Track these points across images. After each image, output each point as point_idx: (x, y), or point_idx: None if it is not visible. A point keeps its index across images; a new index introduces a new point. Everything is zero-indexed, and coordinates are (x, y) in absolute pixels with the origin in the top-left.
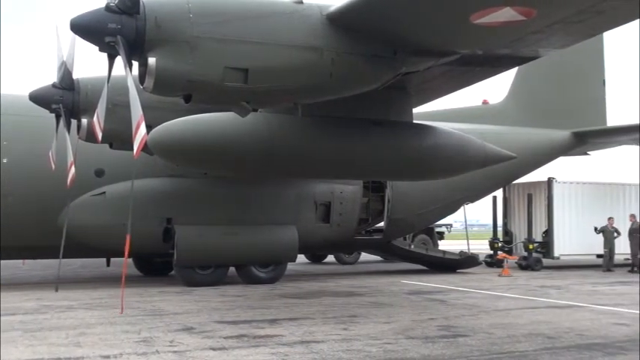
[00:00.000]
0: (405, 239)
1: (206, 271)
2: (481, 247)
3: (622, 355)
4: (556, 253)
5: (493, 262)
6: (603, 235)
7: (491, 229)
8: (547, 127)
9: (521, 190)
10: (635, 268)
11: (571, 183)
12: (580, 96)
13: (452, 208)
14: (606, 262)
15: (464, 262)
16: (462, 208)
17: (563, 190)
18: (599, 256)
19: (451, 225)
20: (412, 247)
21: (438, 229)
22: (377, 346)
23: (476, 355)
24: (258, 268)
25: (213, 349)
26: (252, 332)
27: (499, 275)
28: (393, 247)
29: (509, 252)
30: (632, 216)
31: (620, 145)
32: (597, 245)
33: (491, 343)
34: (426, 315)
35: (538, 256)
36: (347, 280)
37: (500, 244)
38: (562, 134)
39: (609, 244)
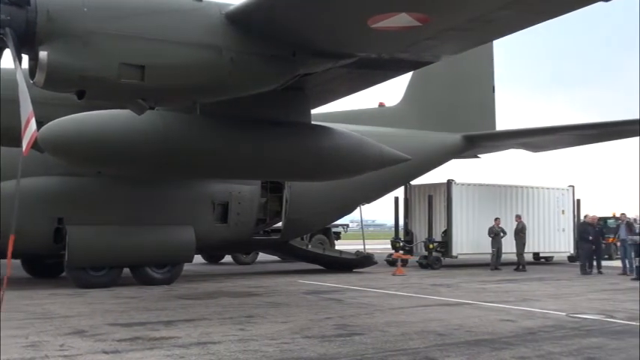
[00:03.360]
0: (302, 239)
1: (99, 273)
2: (377, 246)
3: (508, 350)
4: (454, 253)
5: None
6: (490, 236)
7: (387, 229)
8: (440, 130)
9: (422, 192)
10: (521, 267)
11: (469, 185)
12: (471, 101)
13: (349, 209)
14: (493, 261)
15: (360, 261)
16: (358, 208)
17: (461, 192)
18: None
19: (348, 225)
20: (309, 247)
21: (334, 230)
22: (274, 346)
23: (370, 353)
24: (153, 268)
25: (106, 352)
26: (146, 334)
27: (393, 274)
28: (291, 247)
29: (410, 251)
30: (518, 217)
31: (508, 148)
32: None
33: (386, 341)
34: (322, 314)
35: (438, 255)
36: (244, 280)
37: (401, 244)
38: (454, 137)
39: (497, 244)
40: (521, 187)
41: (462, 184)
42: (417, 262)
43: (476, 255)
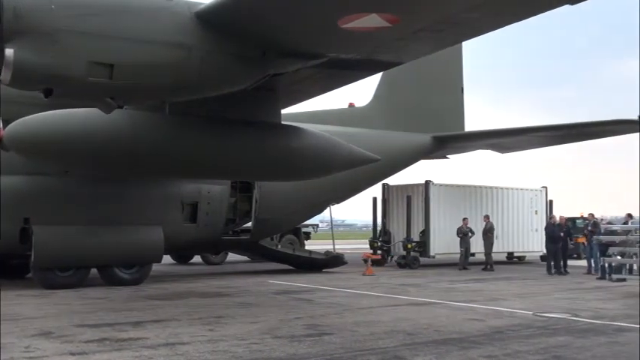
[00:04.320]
0: (272, 239)
1: (66, 273)
2: (347, 246)
3: (476, 349)
4: (432, 252)
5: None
6: (458, 235)
7: (357, 229)
8: (409, 131)
9: (400, 192)
10: (489, 267)
11: (446, 185)
12: (440, 102)
13: (318, 209)
14: (462, 261)
15: (330, 261)
16: (328, 208)
17: (439, 192)
18: (471, 254)
19: (317, 225)
20: (279, 247)
21: (304, 230)
22: (243, 347)
23: (340, 353)
24: (121, 269)
25: (73, 354)
26: (114, 335)
27: (363, 274)
28: (261, 247)
29: (388, 251)
30: (486, 217)
31: (477, 149)
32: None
33: (355, 341)
34: (292, 314)
35: (416, 255)
36: (214, 280)
37: (379, 244)
38: (423, 138)
39: (465, 244)
40: (497, 188)
41: (440, 185)
42: (396, 261)
43: (453, 255)
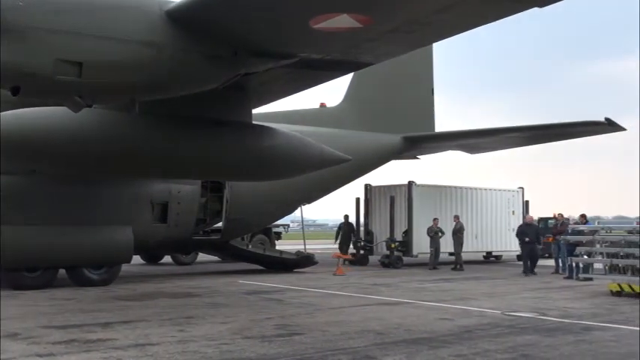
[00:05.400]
0: (242, 239)
1: (34, 274)
2: (318, 246)
3: (446, 348)
4: (415, 252)
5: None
6: (429, 235)
7: (328, 229)
8: (380, 131)
9: (382, 192)
10: (459, 266)
11: (429, 186)
12: (411, 102)
13: (289, 209)
14: (432, 261)
15: (300, 261)
16: (299, 208)
17: (422, 193)
18: (450, 254)
19: (288, 225)
20: (250, 247)
21: (275, 230)
22: (213, 347)
23: (310, 353)
24: (90, 269)
25: (40, 355)
26: (82, 337)
27: (334, 274)
28: (231, 248)
29: (371, 250)
30: (456, 217)
31: (447, 150)
32: (449, 244)
33: (326, 341)
34: (263, 314)
35: (399, 254)
36: (184, 280)
37: (362, 243)
38: (394, 138)
39: (435, 244)
40: (476, 189)
41: (423, 186)
42: (379, 261)
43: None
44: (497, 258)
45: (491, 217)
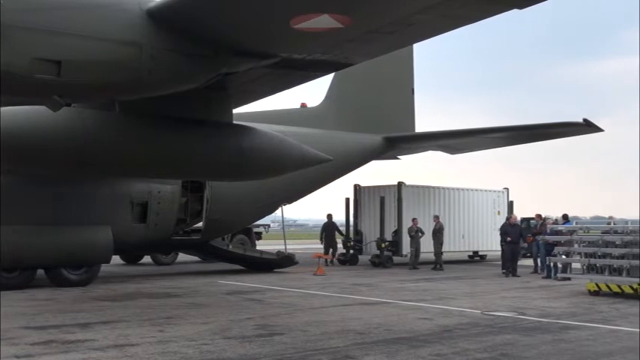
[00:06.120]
0: (223, 239)
1: (11, 274)
2: (298, 246)
3: (426, 347)
4: (404, 252)
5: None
6: (409, 235)
7: (309, 229)
8: (361, 132)
9: (372, 193)
10: (438, 266)
11: (418, 187)
12: (391, 103)
13: (270, 209)
14: (412, 261)
15: (281, 261)
16: (279, 208)
17: (411, 193)
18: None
19: (269, 225)
20: (230, 247)
21: (255, 230)
22: (193, 347)
23: (291, 353)
24: (69, 270)
25: (18, 357)
26: (61, 337)
27: (314, 274)
28: (212, 248)
29: (360, 250)
30: (436, 217)
31: (427, 150)
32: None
33: (306, 341)
34: (243, 315)
35: (389, 254)
36: (164, 281)
37: (352, 243)
38: (374, 138)
39: (415, 244)
40: (463, 189)
41: (412, 186)
42: (370, 260)
43: (424, 253)
44: (482, 257)
45: (477, 217)
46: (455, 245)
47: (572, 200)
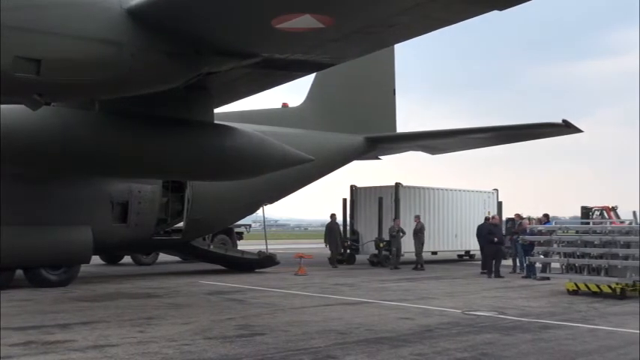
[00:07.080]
0: (204, 239)
1: None
2: (280, 246)
3: (407, 347)
4: (401, 251)
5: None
6: (390, 234)
7: (290, 229)
8: (342, 132)
9: (368, 194)
10: (419, 266)
11: (414, 188)
12: (372, 103)
13: (251, 209)
14: (393, 260)
15: (262, 261)
16: (260, 208)
17: (407, 194)
18: (433, 252)
19: (250, 225)
20: (211, 247)
21: (237, 230)
22: (174, 348)
23: (272, 353)
24: (48, 270)
25: None
26: (41, 338)
27: (295, 274)
28: (192, 248)
29: (357, 250)
30: (417, 217)
31: (408, 150)
32: (430, 243)
33: (287, 341)
34: (224, 315)
35: (387, 253)
36: (144, 281)
37: (349, 243)
38: (356, 139)
39: (396, 244)
40: (456, 190)
41: (409, 187)
42: (368, 260)
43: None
44: (471, 256)
45: (468, 216)
46: (448, 245)
47: (557, 200)
